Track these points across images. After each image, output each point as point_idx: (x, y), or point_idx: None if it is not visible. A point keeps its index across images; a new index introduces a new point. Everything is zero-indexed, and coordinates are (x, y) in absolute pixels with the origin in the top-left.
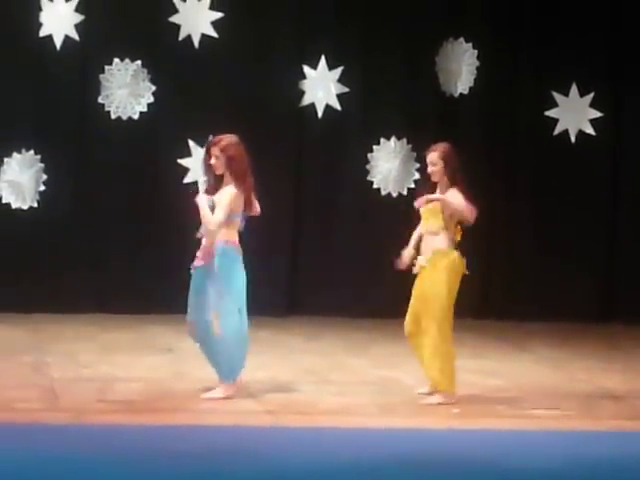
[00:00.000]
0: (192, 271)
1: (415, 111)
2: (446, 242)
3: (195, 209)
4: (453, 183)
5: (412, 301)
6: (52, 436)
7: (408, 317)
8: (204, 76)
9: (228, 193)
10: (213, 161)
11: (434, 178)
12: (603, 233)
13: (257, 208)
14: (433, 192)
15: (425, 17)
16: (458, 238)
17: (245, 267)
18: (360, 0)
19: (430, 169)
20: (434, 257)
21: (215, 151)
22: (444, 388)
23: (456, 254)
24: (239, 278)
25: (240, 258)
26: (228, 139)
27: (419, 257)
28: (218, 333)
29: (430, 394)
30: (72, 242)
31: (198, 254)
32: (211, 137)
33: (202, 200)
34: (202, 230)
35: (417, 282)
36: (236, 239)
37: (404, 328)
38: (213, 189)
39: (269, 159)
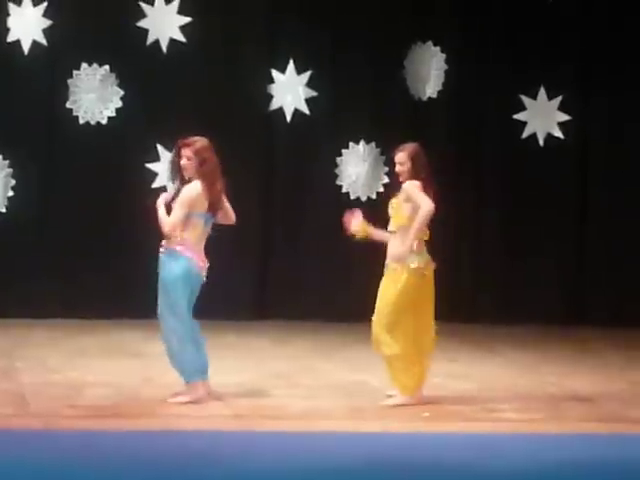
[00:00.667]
0: None
1: (384, 115)
2: (404, 247)
3: (155, 213)
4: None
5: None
6: (22, 441)
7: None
8: (172, 81)
9: (192, 189)
10: (184, 162)
11: (402, 178)
12: (572, 236)
13: (232, 216)
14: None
15: (393, 21)
16: (425, 238)
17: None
18: (328, 4)
19: (398, 169)
20: (390, 268)
21: (187, 153)
22: (405, 392)
23: (413, 263)
24: (178, 288)
25: (188, 267)
26: (201, 142)
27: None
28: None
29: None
30: (41, 247)
31: None
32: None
33: (160, 202)
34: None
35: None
36: (191, 245)
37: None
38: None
39: (238, 163)
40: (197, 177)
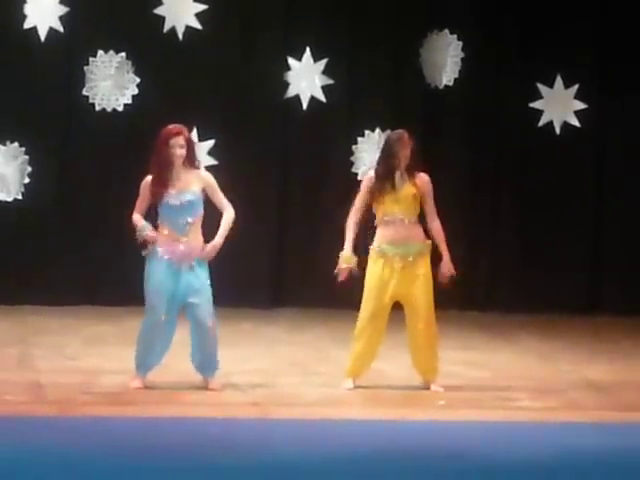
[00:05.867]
0: None
1: (400, 103)
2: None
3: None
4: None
5: None
6: (38, 428)
7: None
8: (188, 68)
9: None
10: (180, 151)
11: (406, 165)
12: (589, 224)
13: None
14: (393, 177)
15: (410, 8)
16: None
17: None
18: None
19: (409, 155)
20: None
21: (180, 141)
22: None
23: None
24: (150, 280)
25: (158, 259)
26: (185, 129)
27: None
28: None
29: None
30: (57, 234)
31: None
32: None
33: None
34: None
35: None
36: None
37: None
38: (164, 185)
39: (254, 151)
40: (185, 164)
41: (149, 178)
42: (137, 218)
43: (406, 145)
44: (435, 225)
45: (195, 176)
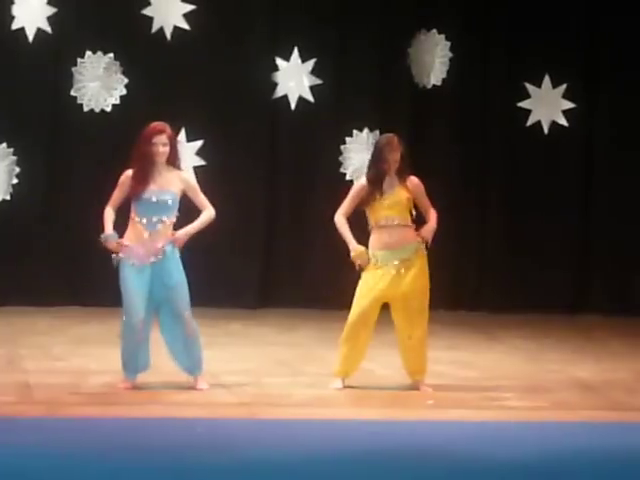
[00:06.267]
0: None
1: (388, 103)
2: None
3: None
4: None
5: None
6: (25, 429)
7: None
8: (176, 68)
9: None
10: (162, 149)
11: (395, 169)
12: (576, 224)
13: None
14: (382, 181)
15: (398, 9)
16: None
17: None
18: None
19: (397, 159)
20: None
21: (163, 139)
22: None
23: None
24: (124, 284)
25: (127, 260)
26: (169, 127)
27: None
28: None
29: None
30: (45, 234)
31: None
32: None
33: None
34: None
35: None
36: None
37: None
38: (145, 181)
39: (242, 151)
40: (166, 163)
41: (129, 172)
42: (107, 217)
43: (395, 149)
44: (431, 212)
45: (176, 176)
